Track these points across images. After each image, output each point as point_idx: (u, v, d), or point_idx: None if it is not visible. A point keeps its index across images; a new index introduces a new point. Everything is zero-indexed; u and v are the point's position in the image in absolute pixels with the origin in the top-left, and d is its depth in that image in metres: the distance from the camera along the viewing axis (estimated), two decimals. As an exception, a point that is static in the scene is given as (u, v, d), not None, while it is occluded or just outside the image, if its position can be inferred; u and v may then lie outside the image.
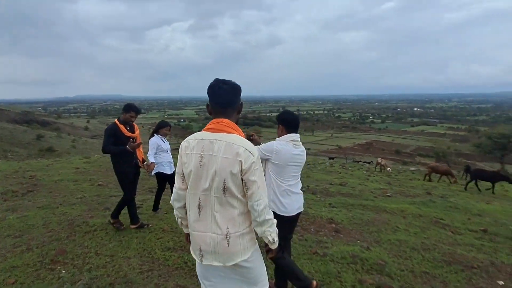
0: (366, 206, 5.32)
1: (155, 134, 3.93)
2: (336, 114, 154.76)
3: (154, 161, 3.78)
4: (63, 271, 2.58)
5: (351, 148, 77.27)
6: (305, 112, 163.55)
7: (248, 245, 1.37)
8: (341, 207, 5.14)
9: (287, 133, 2.14)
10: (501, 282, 2.70)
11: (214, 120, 1.37)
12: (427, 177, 11.06)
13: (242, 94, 1.46)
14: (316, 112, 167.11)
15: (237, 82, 1.44)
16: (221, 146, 1.29)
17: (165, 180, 4.05)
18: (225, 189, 1.29)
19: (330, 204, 5.28)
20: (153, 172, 3.83)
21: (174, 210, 1.51)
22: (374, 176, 10.56)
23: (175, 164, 1.98)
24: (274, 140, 2.18)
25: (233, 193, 1.30)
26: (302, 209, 2.24)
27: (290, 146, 2.10)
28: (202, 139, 1.34)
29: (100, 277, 2.48)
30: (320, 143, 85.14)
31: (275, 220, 1.39)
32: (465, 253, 3.30)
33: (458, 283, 2.67)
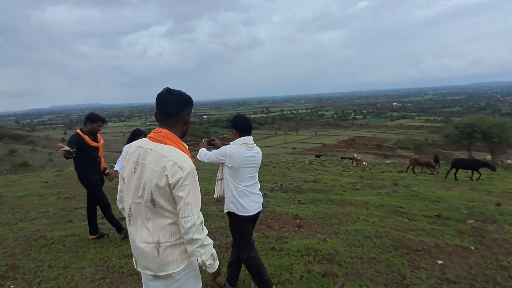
0: (333, 200, 5.50)
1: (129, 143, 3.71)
2: (319, 112, 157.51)
3: (118, 169, 3.73)
4: (12, 286, 2.54)
5: (335, 145, 78.90)
6: (289, 112, 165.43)
7: (181, 257, 1.30)
8: (309, 203, 5.29)
9: (240, 137, 2.22)
10: (440, 262, 2.90)
11: (156, 129, 1.34)
12: (410, 169, 11.38)
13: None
14: (299, 111, 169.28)
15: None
16: (154, 157, 1.25)
17: None
18: (153, 201, 1.25)
19: (299, 201, 5.42)
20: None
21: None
22: (348, 171, 10.89)
23: None
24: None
25: (162, 206, 1.26)
26: (261, 209, 2.31)
27: (243, 149, 2.18)
28: (140, 146, 1.32)
29: (49, 289, 2.46)
30: (305, 141, 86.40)
31: (209, 241, 1.30)
32: (414, 238, 3.51)
33: (402, 265, 2.85)
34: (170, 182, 1.21)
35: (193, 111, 1.52)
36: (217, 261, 1.34)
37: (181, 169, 1.22)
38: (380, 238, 3.48)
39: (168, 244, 1.28)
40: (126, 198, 1.35)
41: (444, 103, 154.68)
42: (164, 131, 1.31)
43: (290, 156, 23.90)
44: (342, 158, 21.09)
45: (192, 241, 1.24)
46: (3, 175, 14.76)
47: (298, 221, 4.20)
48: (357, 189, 6.87)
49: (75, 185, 7.39)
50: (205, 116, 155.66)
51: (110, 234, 3.61)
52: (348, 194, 6.20)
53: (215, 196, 2.36)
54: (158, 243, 1.27)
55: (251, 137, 2.25)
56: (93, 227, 3.53)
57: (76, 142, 3.15)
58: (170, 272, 1.29)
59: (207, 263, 1.28)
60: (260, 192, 2.32)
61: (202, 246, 1.26)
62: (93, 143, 3.33)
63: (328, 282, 2.52)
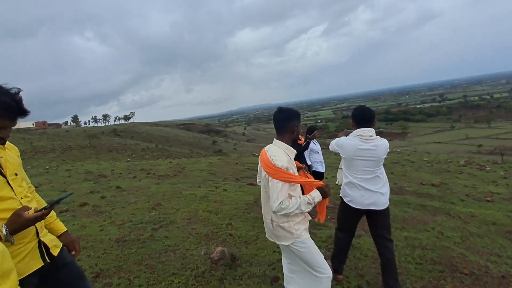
0: (429, 206, 4.67)
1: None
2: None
3: (310, 162, 4.14)
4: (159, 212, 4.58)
5: None
6: (476, 98, 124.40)
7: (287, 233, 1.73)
8: (394, 205, 4.78)
9: (357, 128, 2.20)
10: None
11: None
12: None
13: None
14: (495, 95, 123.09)
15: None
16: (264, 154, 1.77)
17: (319, 179, 4.09)
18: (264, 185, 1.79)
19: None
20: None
21: None
22: (514, 179, 7.70)
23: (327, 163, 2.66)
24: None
25: (267, 190, 1.72)
26: (377, 208, 2.16)
27: (356, 141, 2.15)
28: (265, 149, 1.83)
29: None
30: (501, 137, 62.53)
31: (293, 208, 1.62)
32: (478, 261, 2.72)
33: (420, 279, 2.50)
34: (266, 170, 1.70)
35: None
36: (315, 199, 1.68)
37: (272, 161, 1.65)
38: (425, 250, 2.99)
39: (275, 223, 1.73)
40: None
41: None
42: (276, 139, 1.79)
43: (455, 154, 18.77)
44: None
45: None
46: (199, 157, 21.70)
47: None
48: (489, 200, 5.20)
49: (224, 166, 10.10)
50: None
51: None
52: (466, 205, 4.94)
53: (337, 183, 2.72)
54: (272, 220, 1.76)
55: (371, 129, 2.17)
56: None
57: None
58: (283, 243, 1.75)
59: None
60: (380, 191, 2.16)
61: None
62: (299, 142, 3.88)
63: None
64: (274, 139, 1.80)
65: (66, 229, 1.47)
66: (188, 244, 3.22)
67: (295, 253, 1.76)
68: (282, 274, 2.62)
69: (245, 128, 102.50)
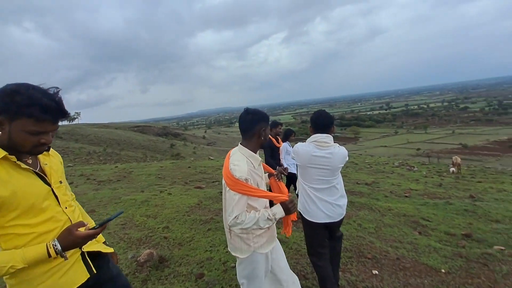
0: (356, 203, 5.20)
1: (286, 141, 4.31)
2: (461, 105, 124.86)
3: (286, 165, 4.11)
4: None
5: (483, 147, 61.24)
6: (416, 106, 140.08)
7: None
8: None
9: (314, 134, 2.07)
10: (375, 272, 2.64)
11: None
12: None
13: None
14: (431, 105, 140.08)
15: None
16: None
17: (295, 179, 4.55)
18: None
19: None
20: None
21: None
22: (432, 178, 8.91)
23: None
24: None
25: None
26: (334, 220, 2.05)
27: (311, 147, 2.01)
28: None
29: None
30: (436, 141, 71.25)
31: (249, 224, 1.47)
32: (386, 248, 3.16)
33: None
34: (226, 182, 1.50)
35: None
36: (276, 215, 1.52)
37: (232, 172, 1.47)
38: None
39: (234, 232, 1.58)
40: None
41: None
42: (240, 144, 1.62)
43: (393, 158, 20.88)
44: None
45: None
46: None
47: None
48: (406, 196, 5.96)
49: (175, 170, 9.82)
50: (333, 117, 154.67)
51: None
52: (387, 200, 5.57)
53: (296, 192, 2.31)
54: (230, 229, 1.57)
55: (327, 135, 2.03)
56: None
57: (269, 145, 3.82)
58: (238, 255, 1.63)
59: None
60: (336, 202, 2.04)
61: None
62: (278, 145, 3.99)
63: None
64: (239, 143, 1.62)
65: (104, 239, 1.35)
66: (117, 249, 3.15)
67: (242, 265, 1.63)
68: (208, 271, 2.75)
69: (205, 131, 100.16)
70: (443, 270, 2.68)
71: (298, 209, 2.10)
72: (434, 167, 12.93)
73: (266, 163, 2.62)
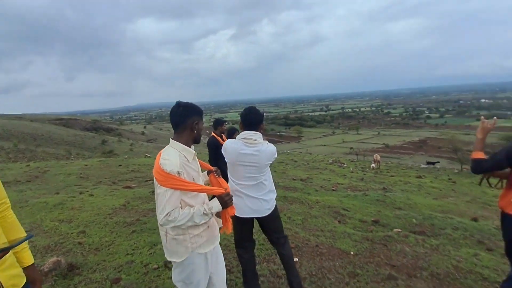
0: (289, 197, 5.49)
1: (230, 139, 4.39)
2: (385, 110, 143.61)
3: None
4: None
5: (400, 146, 71.25)
6: (350, 110, 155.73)
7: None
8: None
9: (243, 131, 2.05)
10: (296, 259, 2.85)
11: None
12: (484, 181, 9.01)
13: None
14: (362, 109, 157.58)
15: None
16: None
17: None
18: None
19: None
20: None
21: None
22: (357, 173, 10.12)
23: None
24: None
25: None
26: (259, 215, 2.07)
27: (239, 144, 2.00)
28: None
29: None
30: (365, 141, 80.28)
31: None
32: (307, 237, 3.43)
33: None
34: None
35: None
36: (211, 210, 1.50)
37: (161, 167, 1.40)
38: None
39: (170, 235, 1.49)
40: None
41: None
42: (172, 139, 1.54)
43: (328, 155, 22.89)
44: (428, 163, 19.12)
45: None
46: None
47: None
48: (333, 190, 6.57)
49: (102, 169, 8.90)
50: (264, 114, 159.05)
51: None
52: (317, 194, 6.03)
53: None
54: (166, 232, 1.50)
55: (255, 133, 2.03)
56: None
57: (214, 144, 3.78)
58: (174, 259, 1.54)
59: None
60: (263, 197, 2.06)
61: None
62: (223, 142, 3.95)
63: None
64: (170, 139, 1.55)
65: (33, 262, 1.17)
66: (15, 260, 2.69)
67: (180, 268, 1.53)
68: (127, 275, 2.57)
69: (145, 127, 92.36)
70: (352, 252, 3.03)
71: None
72: (360, 164, 14.60)
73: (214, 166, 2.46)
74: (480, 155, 1.86)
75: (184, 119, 1.52)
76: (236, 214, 2.01)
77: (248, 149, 1.97)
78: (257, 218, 2.09)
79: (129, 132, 74.47)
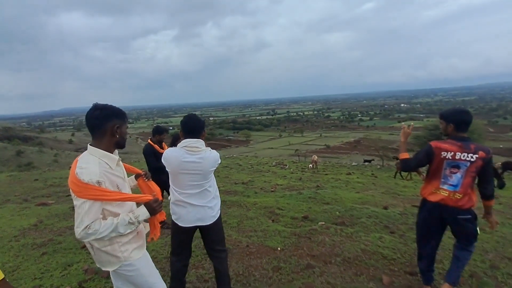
0: (228, 201, 5.56)
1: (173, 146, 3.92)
2: (326, 114, 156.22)
3: None
4: None
5: (339, 146, 77.94)
6: (294, 114, 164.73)
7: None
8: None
9: (185, 139, 2.00)
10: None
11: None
12: (398, 174, 10.48)
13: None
14: (306, 113, 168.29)
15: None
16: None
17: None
18: None
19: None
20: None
21: None
22: (297, 173, 10.81)
23: None
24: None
25: None
26: (204, 223, 2.03)
27: (181, 153, 1.95)
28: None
29: None
30: (309, 143, 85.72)
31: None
32: (239, 238, 3.55)
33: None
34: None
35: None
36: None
37: (77, 177, 1.31)
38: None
39: (96, 247, 1.44)
40: None
41: (454, 104, 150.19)
42: (89, 145, 1.45)
43: (274, 158, 23.79)
44: (365, 161, 20.97)
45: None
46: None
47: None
48: (272, 191, 6.88)
49: (13, 184, 7.68)
50: (211, 118, 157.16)
51: None
52: (256, 196, 6.23)
53: (169, 198, 2.14)
54: (91, 244, 1.45)
55: (198, 140, 1.99)
56: None
57: (152, 151, 3.81)
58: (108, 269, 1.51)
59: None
60: (208, 205, 2.03)
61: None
62: (161, 151, 3.81)
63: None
64: (88, 145, 1.45)
65: (3, 277, 1.15)
66: None
67: (123, 277, 1.52)
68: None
69: (73, 134, 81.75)
70: (279, 248, 3.25)
71: (171, 213, 2.09)
72: (301, 165, 15.55)
73: (154, 177, 2.34)
74: (405, 155, 2.27)
75: (102, 123, 1.43)
76: (179, 224, 2.03)
77: (191, 157, 1.94)
78: (200, 226, 2.06)
79: (53, 140, 65.34)
